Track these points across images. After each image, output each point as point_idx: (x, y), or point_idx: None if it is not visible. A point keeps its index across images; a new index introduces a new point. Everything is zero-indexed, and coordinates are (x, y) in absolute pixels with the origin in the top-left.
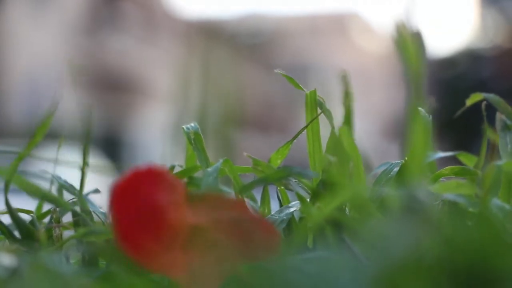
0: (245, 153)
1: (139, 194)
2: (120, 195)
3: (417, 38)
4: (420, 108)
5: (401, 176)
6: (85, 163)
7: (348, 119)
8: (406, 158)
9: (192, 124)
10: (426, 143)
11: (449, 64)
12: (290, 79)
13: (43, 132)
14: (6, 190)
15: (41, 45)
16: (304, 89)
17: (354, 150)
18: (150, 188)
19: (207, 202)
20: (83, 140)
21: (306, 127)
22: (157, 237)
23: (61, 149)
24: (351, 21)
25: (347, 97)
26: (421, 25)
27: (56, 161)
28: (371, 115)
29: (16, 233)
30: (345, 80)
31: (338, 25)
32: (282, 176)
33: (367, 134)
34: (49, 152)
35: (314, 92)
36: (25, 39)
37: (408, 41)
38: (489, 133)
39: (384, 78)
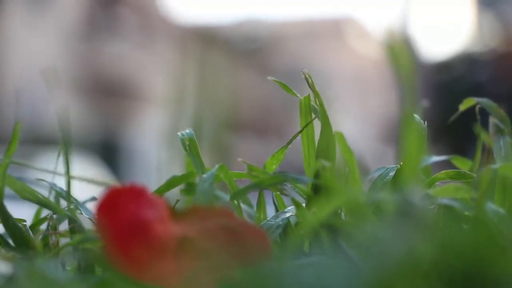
0: (239, 159)
1: (123, 209)
2: (105, 211)
3: (408, 43)
4: (413, 113)
5: (397, 180)
6: (68, 169)
7: (325, 120)
8: (401, 163)
9: (187, 131)
10: (420, 148)
11: (445, 68)
12: (284, 85)
13: (17, 138)
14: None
15: (38, 51)
16: (298, 95)
17: (349, 154)
18: (132, 203)
19: (193, 215)
20: (64, 146)
21: (300, 132)
22: (146, 249)
23: (58, 156)
24: (347, 26)
25: (317, 97)
26: (418, 29)
27: (54, 168)
28: (368, 119)
29: (10, 241)
30: (309, 80)
31: (334, 29)
32: (276, 182)
33: (364, 137)
34: (46, 159)
35: (308, 97)
36: (22, 45)
37: (398, 47)
38: (483, 138)
39: (381, 82)
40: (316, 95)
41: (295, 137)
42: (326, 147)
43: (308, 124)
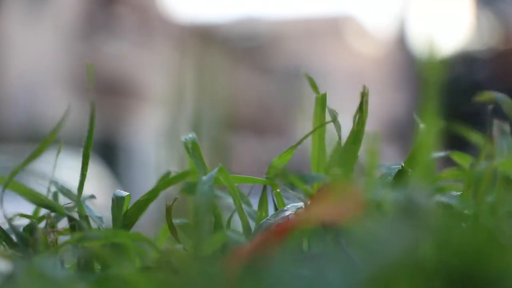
0: (264, 158)
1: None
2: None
3: (435, 44)
4: (431, 113)
5: (399, 179)
6: (85, 169)
7: (359, 135)
8: (414, 161)
9: (190, 135)
10: (433, 148)
11: (446, 67)
12: (312, 82)
13: (47, 145)
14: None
15: (37, 50)
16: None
17: (372, 155)
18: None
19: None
20: (83, 146)
21: (312, 132)
22: None
23: (59, 153)
24: (345, 24)
25: (362, 114)
26: (416, 27)
27: (54, 166)
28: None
29: (14, 238)
30: (364, 95)
31: (332, 28)
32: (302, 181)
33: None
34: (47, 156)
35: (325, 95)
36: (21, 44)
37: (432, 48)
38: (483, 139)
39: (380, 81)
40: (364, 112)
41: (306, 137)
42: (349, 156)
43: (321, 126)
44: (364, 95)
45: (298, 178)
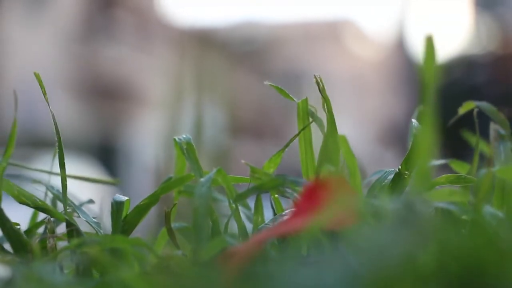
0: (242, 161)
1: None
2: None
3: (434, 47)
4: (429, 118)
5: (395, 184)
6: (63, 169)
7: (331, 123)
8: (400, 166)
9: (184, 135)
10: (431, 153)
11: (443, 70)
12: (281, 90)
13: (14, 140)
14: None
15: (36, 53)
16: (295, 99)
17: (351, 158)
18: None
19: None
20: (57, 146)
21: (297, 135)
22: None
23: (53, 158)
24: (344, 28)
25: (325, 101)
26: (415, 31)
27: (50, 170)
28: (365, 121)
29: (7, 246)
30: (320, 84)
31: (331, 32)
32: (277, 184)
33: (361, 140)
34: (44, 161)
35: (306, 100)
36: (20, 47)
37: (431, 51)
38: (481, 144)
39: (378, 84)
40: (326, 99)
41: (292, 141)
42: (330, 151)
43: (305, 128)
44: (318, 83)
45: (280, 181)
